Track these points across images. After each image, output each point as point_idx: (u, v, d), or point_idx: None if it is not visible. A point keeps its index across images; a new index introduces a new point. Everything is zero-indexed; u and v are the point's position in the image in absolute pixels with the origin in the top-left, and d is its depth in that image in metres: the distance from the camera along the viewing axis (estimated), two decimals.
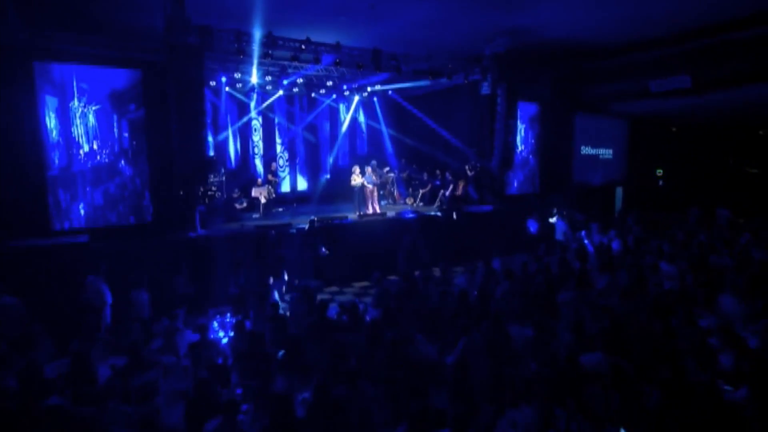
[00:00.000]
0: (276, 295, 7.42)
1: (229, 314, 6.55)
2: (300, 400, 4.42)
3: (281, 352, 5.63)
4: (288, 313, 6.72)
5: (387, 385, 4.42)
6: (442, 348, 5.46)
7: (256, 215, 12.45)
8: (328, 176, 16.22)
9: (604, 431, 3.82)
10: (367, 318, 6.61)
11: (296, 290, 7.08)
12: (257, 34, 9.75)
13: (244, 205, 12.93)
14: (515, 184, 14.87)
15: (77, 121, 8.34)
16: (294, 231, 10.09)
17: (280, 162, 15.67)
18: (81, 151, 8.40)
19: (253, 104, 14.87)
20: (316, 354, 5.39)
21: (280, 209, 13.53)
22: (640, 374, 4.43)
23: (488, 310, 6.47)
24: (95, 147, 8.53)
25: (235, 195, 12.98)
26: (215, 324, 6.21)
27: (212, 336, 6.12)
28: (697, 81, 11.60)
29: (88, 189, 8.42)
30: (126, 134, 8.81)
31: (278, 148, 15.67)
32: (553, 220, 13.64)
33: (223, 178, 13.35)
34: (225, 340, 5.93)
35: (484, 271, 8.48)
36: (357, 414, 3.83)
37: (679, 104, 13.61)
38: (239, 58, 10.33)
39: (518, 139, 14.51)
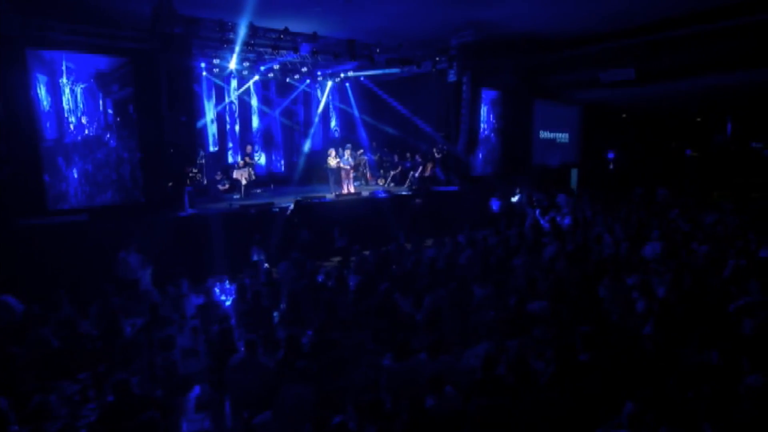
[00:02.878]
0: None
1: (227, 281, 7.36)
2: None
3: (281, 307, 6.52)
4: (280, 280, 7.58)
5: (373, 331, 5.40)
6: (414, 303, 6.46)
7: (237, 196, 13.09)
8: (303, 159, 16.89)
9: (545, 357, 4.91)
10: (350, 283, 7.55)
11: (287, 259, 7.91)
12: (240, 24, 10.32)
13: (226, 186, 13.54)
14: (479, 166, 15.99)
15: (66, 97, 8.78)
16: (276, 210, 10.85)
17: (256, 146, 16.25)
18: (71, 126, 8.86)
19: (231, 89, 15.32)
20: (310, 311, 6.31)
21: (259, 190, 14.20)
22: (574, 318, 5.56)
23: (454, 274, 7.54)
24: (84, 122, 9.00)
25: (217, 177, 13.55)
26: (216, 290, 7.01)
27: (215, 299, 6.93)
28: (641, 73, 12.91)
29: (79, 163, 8.91)
30: (110, 111, 9.29)
31: (254, 131, 16.22)
32: (515, 199, 14.89)
33: (203, 161, 13.87)
34: (228, 303, 6.75)
35: (451, 244, 9.55)
36: (351, 349, 4.78)
37: (625, 93, 14.99)
38: (221, 46, 10.89)
39: (481, 123, 15.58)
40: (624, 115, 19.94)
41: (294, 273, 7.38)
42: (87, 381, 4.53)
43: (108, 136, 9.25)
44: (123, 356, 5.11)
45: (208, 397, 4.74)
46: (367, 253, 9.47)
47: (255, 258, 8.69)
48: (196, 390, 5.20)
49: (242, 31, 10.34)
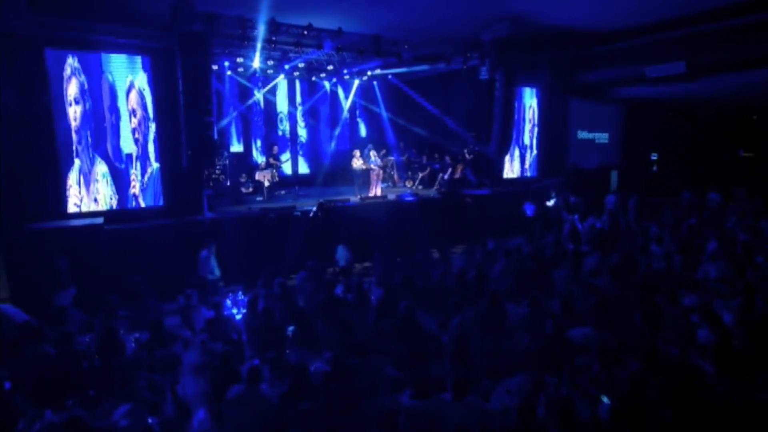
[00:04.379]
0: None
1: (240, 293, 6.92)
2: (312, 369, 4.82)
3: (292, 327, 6.04)
4: (296, 291, 7.10)
5: (393, 356, 4.82)
6: (441, 323, 5.85)
7: (260, 198, 12.76)
8: (329, 159, 16.49)
9: (588, 398, 4.23)
10: (372, 297, 6.99)
11: (304, 269, 7.43)
12: (261, 21, 9.92)
13: (250, 189, 13.23)
14: (512, 168, 15.19)
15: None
16: (298, 214, 10.41)
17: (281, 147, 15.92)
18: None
19: (256, 88, 15.04)
20: (326, 329, 5.79)
21: (283, 192, 13.84)
22: (622, 347, 4.83)
23: (485, 288, 6.89)
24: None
25: (242, 179, 13.25)
26: (228, 302, 6.59)
27: (226, 312, 6.50)
28: (692, 66, 11.83)
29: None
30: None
31: (279, 131, 15.89)
32: (550, 203, 14.03)
33: (227, 162, 13.61)
34: (238, 317, 6.30)
35: (481, 252, 8.86)
36: (368, 382, 4.22)
37: (672, 90, 13.87)
38: (242, 44, 10.55)
39: (515, 123, 14.77)
40: (670, 114, 18.64)
41: (311, 285, 6.88)
42: (73, 409, 4.13)
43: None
44: (121, 377, 4.70)
45: (206, 429, 4.26)
46: (393, 260, 8.97)
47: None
48: (200, 414, 4.76)
49: (263, 28, 9.94)
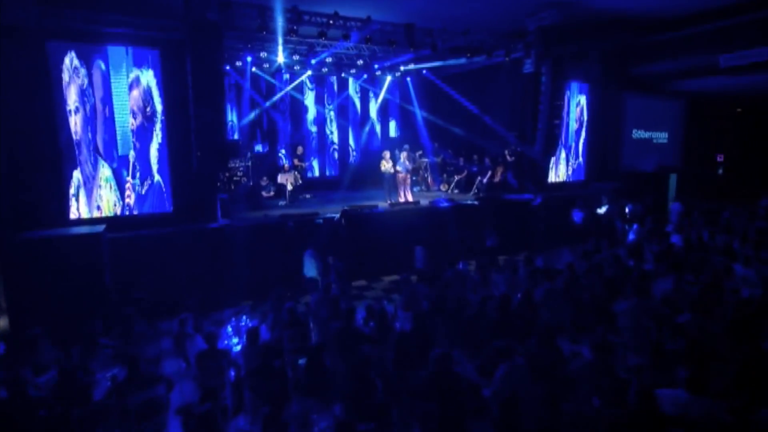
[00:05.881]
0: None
1: (245, 317, 5.98)
2: None
3: (300, 363, 5.05)
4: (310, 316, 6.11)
5: (420, 419, 3.73)
6: (482, 367, 4.71)
7: (282, 202, 11.89)
8: (358, 161, 15.52)
9: None
10: (397, 324, 5.92)
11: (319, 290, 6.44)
12: (281, 9, 9.00)
13: (272, 193, 12.40)
14: (557, 171, 13.78)
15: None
16: (320, 221, 9.44)
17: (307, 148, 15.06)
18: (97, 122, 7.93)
19: (281, 85, 14.21)
20: (339, 367, 4.76)
21: (308, 196, 12.94)
22: (735, 416, 3.57)
23: (534, 319, 5.69)
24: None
25: (263, 182, 12.44)
26: (229, 329, 5.65)
27: (226, 341, 5.58)
28: None
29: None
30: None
31: (306, 131, 15.02)
32: (601, 210, 12.57)
33: (249, 163, 12.84)
34: (239, 347, 5.37)
35: (527, 271, 7.61)
36: None
37: (749, 81, 12.14)
38: (264, 35, 9.70)
39: (563, 120, 13.36)
40: (739, 110, 16.66)
41: (326, 310, 5.86)
42: None
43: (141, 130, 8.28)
44: (82, 429, 3.81)
45: None
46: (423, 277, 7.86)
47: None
48: None
49: (284, 15, 9.02)
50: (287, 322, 5.50)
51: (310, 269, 7.90)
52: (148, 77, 8.14)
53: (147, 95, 8.14)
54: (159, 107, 8.27)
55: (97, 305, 6.68)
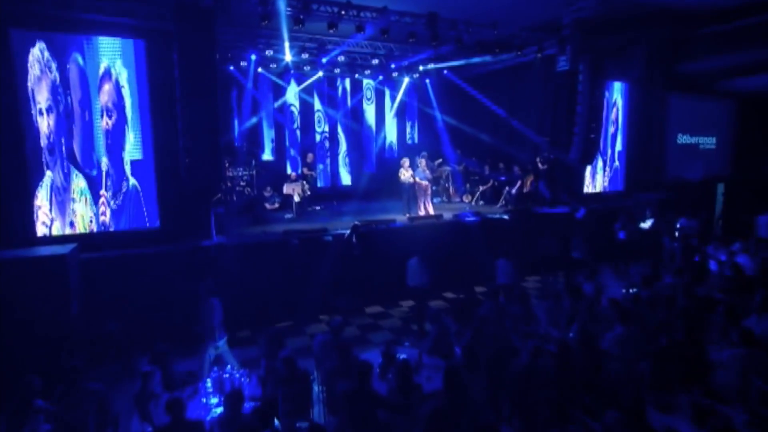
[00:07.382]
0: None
1: (230, 367, 4.73)
2: None
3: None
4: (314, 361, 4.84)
5: None
6: None
7: (289, 215, 10.71)
8: (373, 169, 14.30)
9: None
10: (423, 376, 4.62)
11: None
12: None
13: (276, 205, 11.23)
14: (593, 181, 12.39)
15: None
16: (330, 238, 8.21)
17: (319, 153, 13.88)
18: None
19: (290, 86, 13.10)
20: None
21: (318, 208, 11.73)
22: None
23: (603, 376, 4.36)
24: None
25: (266, 193, 11.29)
26: (208, 383, 4.42)
27: (204, 400, 4.33)
28: None
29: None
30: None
31: (317, 137, 13.85)
32: (645, 225, 11.14)
33: (254, 172, 11.71)
34: (219, 410, 4.12)
35: (574, 302, 6.25)
36: None
37: None
38: (268, 31, 8.60)
39: (603, 125, 12.00)
40: None
41: (334, 358, 4.58)
42: None
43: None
44: None
45: None
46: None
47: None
48: None
49: (289, 3, 7.89)
50: (283, 378, 4.24)
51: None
52: (120, 69, 7.01)
53: (117, 92, 7.01)
54: (134, 105, 7.13)
55: (58, 341, 5.55)
